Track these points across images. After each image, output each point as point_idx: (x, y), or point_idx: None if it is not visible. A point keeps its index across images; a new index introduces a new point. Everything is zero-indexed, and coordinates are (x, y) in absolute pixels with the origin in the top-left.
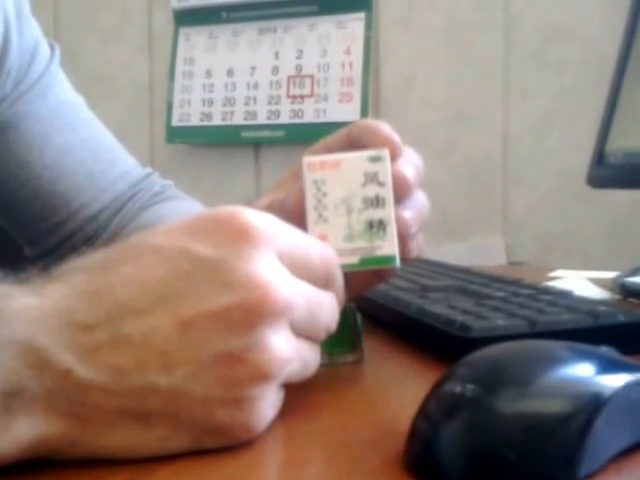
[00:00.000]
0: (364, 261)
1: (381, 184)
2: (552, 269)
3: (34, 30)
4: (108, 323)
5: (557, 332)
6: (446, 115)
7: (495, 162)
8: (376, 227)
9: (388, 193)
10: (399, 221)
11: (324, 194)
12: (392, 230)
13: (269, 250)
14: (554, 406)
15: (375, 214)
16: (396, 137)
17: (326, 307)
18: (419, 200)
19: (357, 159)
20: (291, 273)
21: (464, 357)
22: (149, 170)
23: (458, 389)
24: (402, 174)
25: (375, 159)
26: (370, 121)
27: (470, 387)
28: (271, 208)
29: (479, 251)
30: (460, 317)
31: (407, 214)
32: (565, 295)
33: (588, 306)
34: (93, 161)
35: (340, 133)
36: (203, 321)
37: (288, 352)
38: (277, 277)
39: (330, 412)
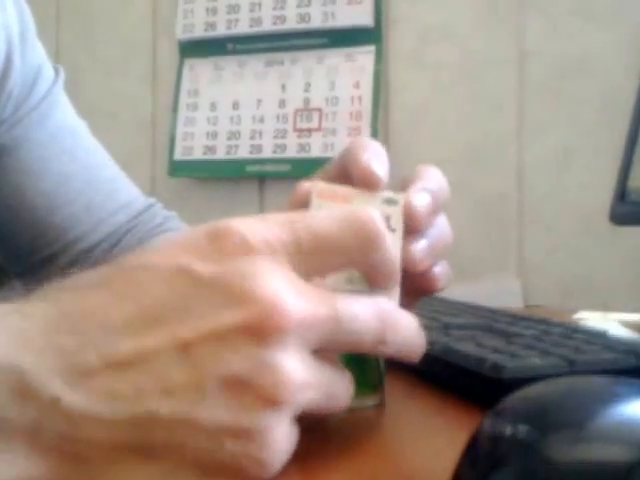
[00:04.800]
0: None
1: (392, 230)
2: (574, 311)
3: (39, 53)
4: (100, 345)
5: (597, 372)
6: (458, 151)
7: (510, 200)
8: None
9: (397, 242)
10: (406, 257)
11: None
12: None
13: (271, 258)
14: (618, 452)
15: None
16: (375, 170)
17: (361, 312)
18: (439, 226)
19: (372, 199)
20: (310, 270)
21: (512, 395)
22: (152, 200)
23: (508, 431)
24: (412, 205)
25: (391, 202)
26: (355, 146)
27: (523, 429)
28: None
29: (494, 293)
30: (491, 356)
31: (417, 248)
32: (600, 334)
33: (627, 346)
34: (92, 191)
35: (334, 163)
36: (204, 343)
37: (302, 375)
38: (284, 291)
39: (353, 460)
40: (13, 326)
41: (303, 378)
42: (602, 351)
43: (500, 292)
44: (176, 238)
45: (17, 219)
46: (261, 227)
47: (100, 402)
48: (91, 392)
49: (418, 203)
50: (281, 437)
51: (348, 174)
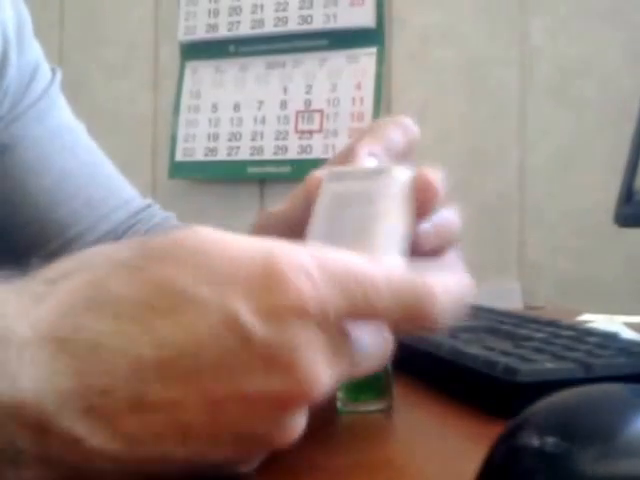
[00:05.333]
0: None
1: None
2: (577, 313)
3: (35, 51)
4: (129, 384)
5: (615, 377)
6: (460, 153)
7: (511, 201)
8: None
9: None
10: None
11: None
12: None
13: (320, 329)
14: None
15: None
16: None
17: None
18: (444, 213)
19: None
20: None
21: (535, 404)
22: (149, 201)
23: (535, 442)
24: (426, 175)
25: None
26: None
27: (551, 440)
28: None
29: (494, 295)
30: (502, 359)
31: (423, 225)
32: (612, 337)
33: None
34: (92, 187)
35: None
36: (234, 403)
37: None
38: (324, 370)
39: (362, 469)
40: (43, 361)
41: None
42: (617, 355)
43: (500, 294)
44: (231, 260)
45: (17, 216)
46: (321, 285)
47: (120, 444)
48: (113, 435)
49: (432, 175)
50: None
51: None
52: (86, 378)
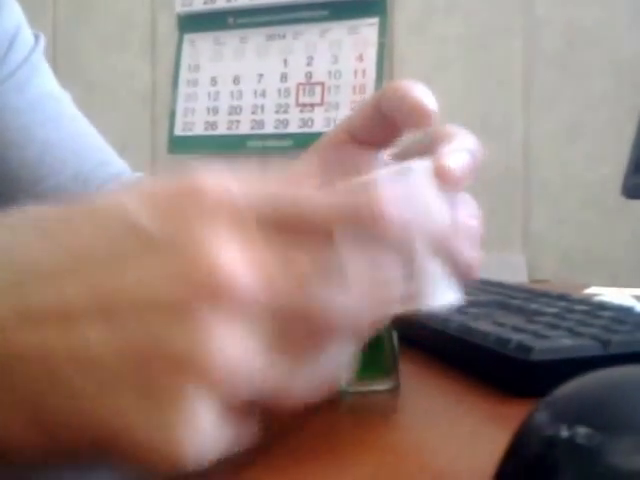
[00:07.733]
0: None
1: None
2: (584, 286)
3: (15, 16)
4: (12, 284)
5: (634, 354)
6: (464, 125)
7: (516, 174)
8: None
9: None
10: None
11: None
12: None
13: (228, 224)
14: None
15: None
16: (427, 103)
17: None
18: (469, 203)
19: None
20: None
21: (561, 388)
22: (140, 174)
23: (565, 433)
24: (442, 166)
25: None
26: (399, 85)
27: (582, 431)
28: None
29: (498, 268)
30: (515, 336)
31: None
32: (627, 311)
33: None
34: (79, 160)
35: (365, 107)
36: (128, 307)
37: (239, 357)
38: (236, 261)
39: (367, 456)
40: None
41: (239, 359)
42: (635, 330)
43: (504, 267)
44: (136, 186)
45: (3, 191)
46: (242, 194)
47: (13, 357)
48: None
49: (451, 163)
50: (202, 430)
51: (386, 116)
52: None
